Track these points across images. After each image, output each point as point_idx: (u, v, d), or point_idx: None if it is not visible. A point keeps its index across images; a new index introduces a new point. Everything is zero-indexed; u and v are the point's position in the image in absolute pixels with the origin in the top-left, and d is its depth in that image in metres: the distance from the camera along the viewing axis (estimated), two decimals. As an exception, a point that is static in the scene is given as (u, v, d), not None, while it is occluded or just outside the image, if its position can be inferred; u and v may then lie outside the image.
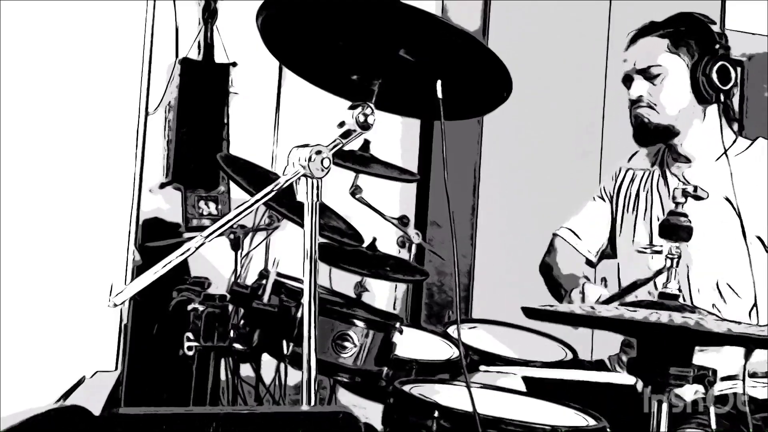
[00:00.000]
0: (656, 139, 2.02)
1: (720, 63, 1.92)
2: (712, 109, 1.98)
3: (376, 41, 1.53)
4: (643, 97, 1.98)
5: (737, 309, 1.93)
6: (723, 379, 1.87)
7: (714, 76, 1.92)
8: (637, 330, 1.45)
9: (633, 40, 2.02)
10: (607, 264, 2.29)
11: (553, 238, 2.30)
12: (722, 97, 1.94)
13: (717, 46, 1.93)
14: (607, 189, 2.23)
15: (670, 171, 2.07)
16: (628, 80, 2.02)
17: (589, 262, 2.27)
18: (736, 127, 2.05)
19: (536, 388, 1.82)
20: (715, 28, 1.96)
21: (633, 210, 2.13)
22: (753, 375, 1.91)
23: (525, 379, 1.88)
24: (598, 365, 2.16)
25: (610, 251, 2.24)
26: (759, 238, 1.92)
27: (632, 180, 2.17)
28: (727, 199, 1.91)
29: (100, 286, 2.27)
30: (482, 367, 1.95)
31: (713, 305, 1.94)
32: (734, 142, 2.01)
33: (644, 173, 2.14)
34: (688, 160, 2.02)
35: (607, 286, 2.03)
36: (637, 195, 2.13)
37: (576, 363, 2.14)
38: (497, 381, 1.90)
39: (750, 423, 1.70)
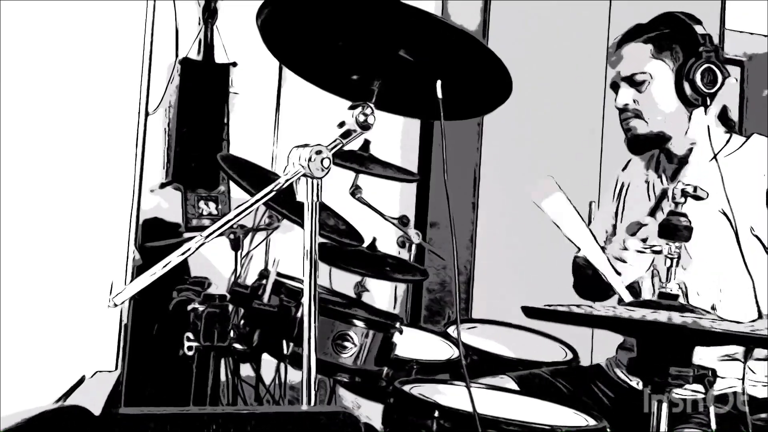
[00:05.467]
0: (650, 146, 2.02)
1: (704, 66, 1.91)
2: (699, 113, 1.96)
3: (376, 41, 1.53)
4: (629, 106, 1.97)
5: (737, 309, 1.92)
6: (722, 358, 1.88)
7: (698, 79, 1.91)
8: (637, 330, 1.46)
9: (619, 45, 2.01)
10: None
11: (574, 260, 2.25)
12: (709, 101, 1.93)
13: (701, 49, 1.92)
14: (606, 200, 2.24)
15: (665, 175, 2.07)
16: (614, 87, 2.02)
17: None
18: (735, 125, 2.04)
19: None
20: (699, 28, 1.93)
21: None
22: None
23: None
24: (596, 369, 2.15)
25: None
26: (757, 237, 1.91)
27: (628, 187, 2.17)
28: (723, 212, 1.91)
29: (100, 286, 2.27)
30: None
31: (716, 304, 1.93)
32: (728, 141, 2.00)
33: (641, 179, 2.14)
34: (681, 163, 2.02)
35: None
36: (634, 200, 2.13)
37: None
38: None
39: (750, 423, 1.70)
